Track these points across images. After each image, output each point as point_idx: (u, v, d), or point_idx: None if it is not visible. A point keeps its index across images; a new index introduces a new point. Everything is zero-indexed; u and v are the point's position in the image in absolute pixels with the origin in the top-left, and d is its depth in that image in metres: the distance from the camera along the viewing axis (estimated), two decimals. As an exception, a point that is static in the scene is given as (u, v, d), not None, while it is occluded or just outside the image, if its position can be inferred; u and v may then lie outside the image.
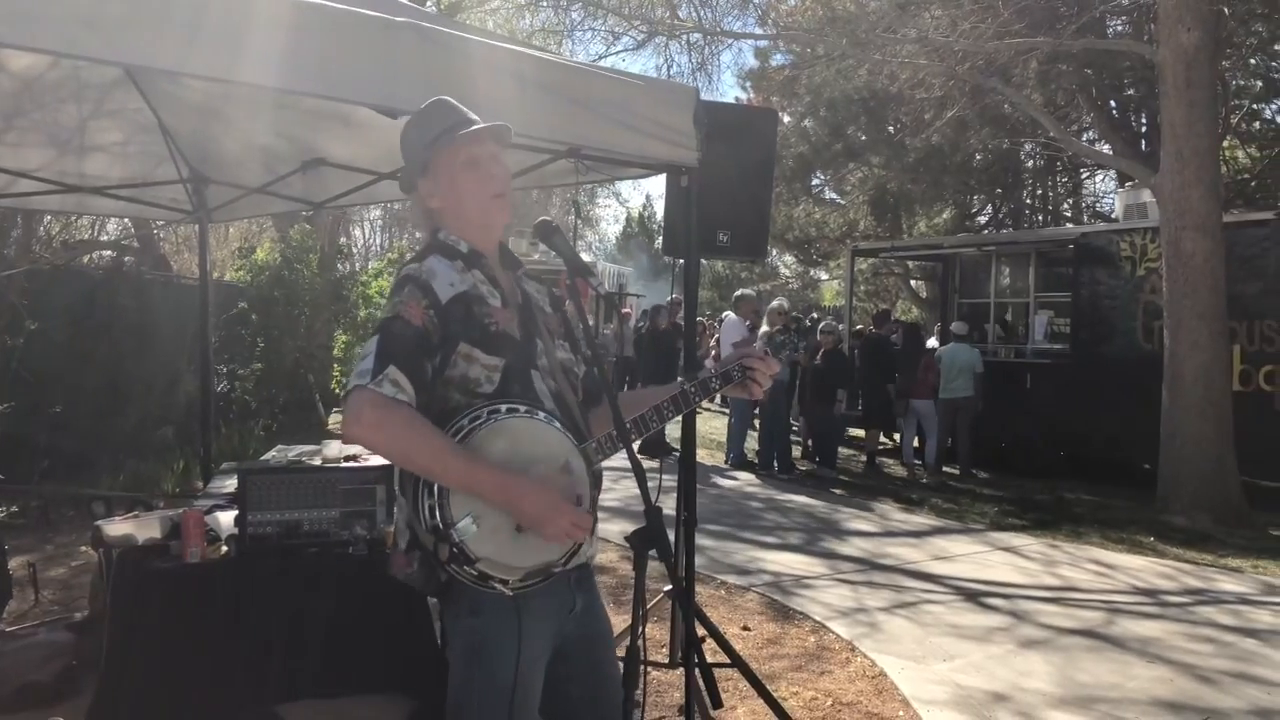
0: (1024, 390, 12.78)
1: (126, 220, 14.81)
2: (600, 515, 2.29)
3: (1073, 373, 12.21)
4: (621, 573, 6.75)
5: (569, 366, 2.40)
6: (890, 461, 13.39)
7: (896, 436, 13.82)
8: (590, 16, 16.85)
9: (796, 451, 13.21)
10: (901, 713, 4.71)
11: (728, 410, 12.74)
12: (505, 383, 2.20)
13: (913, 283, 25.11)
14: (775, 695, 4.24)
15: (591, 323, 2.77)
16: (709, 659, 4.01)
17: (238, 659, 3.59)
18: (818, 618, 6.17)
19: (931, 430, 12.36)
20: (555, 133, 2.31)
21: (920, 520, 9.72)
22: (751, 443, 12.87)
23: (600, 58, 18.20)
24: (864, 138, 20.52)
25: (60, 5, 2.41)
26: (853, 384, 13.04)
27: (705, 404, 2.55)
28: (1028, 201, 24.22)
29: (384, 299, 14.47)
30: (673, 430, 9.88)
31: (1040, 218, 23.70)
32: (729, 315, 12.76)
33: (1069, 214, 24.13)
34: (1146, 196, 11.65)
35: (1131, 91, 17.85)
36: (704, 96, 4.07)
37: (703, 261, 4.87)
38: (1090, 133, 19.33)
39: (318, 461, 4.85)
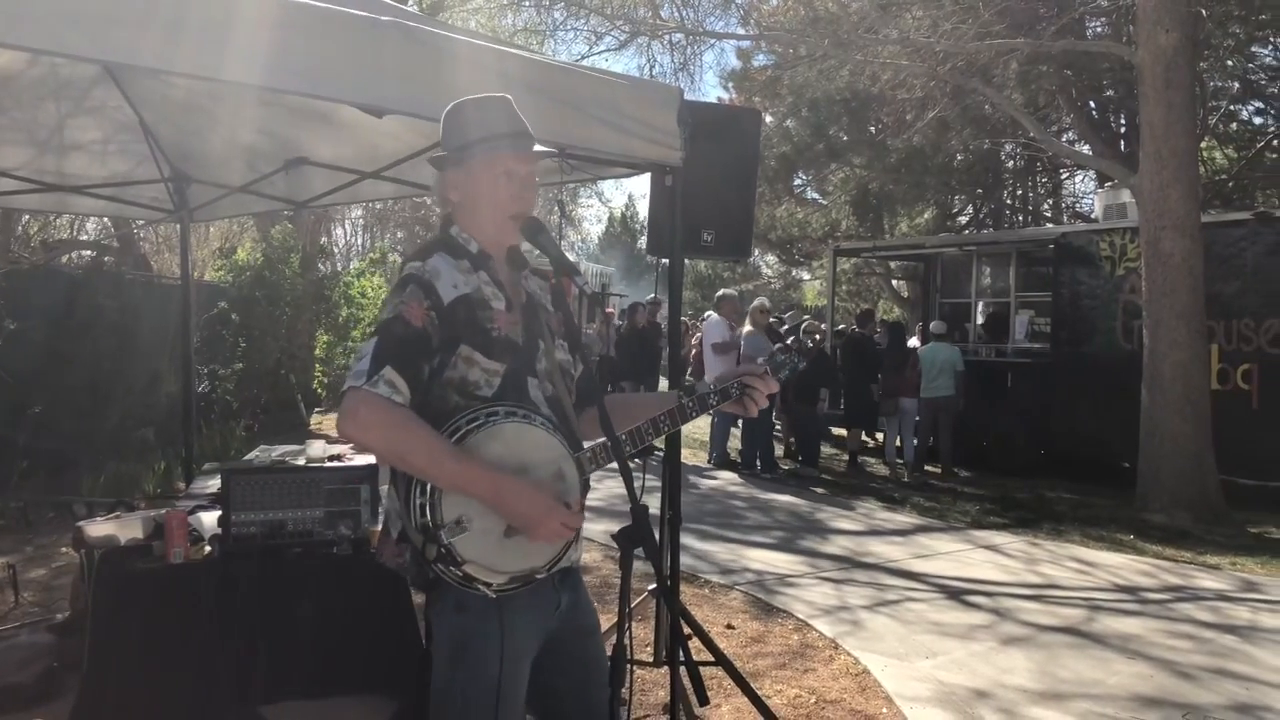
0: (1005, 389, 12.86)
1: (106, 219, 14.73)
2: (584, 515, 2.30)
3: (1053, 372, 12.28)
4: (604, 572, 6.76)
5: (566, 368, 2.41)
6: (873, 460, 13.44)
7: (879, 436, 13.86)
8: (573, 16, 16.82)
9: (779, 451, 13.23)
10: (885, 710, 4.73)
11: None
12: (503, 388, 2.21)
13: (894, 282, 25.20)
14: (759, 693, 4.25)
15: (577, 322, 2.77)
16: (694, 657, 4.02)
17: (221, 660, 3.58)
18: (801, 616, 6.19)
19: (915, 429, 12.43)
20: (540, 132, 2.31)
21: (902, 519, 9.76)
22: (734, 442, 12.89)
23: (583, 58, 18.18)
24: (846, 138, 20.59)
25: (42, 2, 2.39)
26: (835, 383, 13.08)
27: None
28: (1008, 202, 24.34)
29: (366, 299, 14.49)
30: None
31: (1021, 218, 23.83)
32: (711, 315, 12.78)
33: (1049, 214, 24.26)
34: (1126, 197, 11.72)
35: (1111, 92, 17.97)
36: (686, 97, 4.08)
37: (685, 261, 4.86)
38: (1070, 133, 19.44)
39: (301, 461, 4.83)
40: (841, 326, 16.37)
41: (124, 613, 3.59)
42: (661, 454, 4.32)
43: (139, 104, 4.99)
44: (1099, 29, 16.40)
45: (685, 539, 7.19)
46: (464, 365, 2.17)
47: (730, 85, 24.42)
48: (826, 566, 7.60)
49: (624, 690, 2.33)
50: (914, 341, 14.30)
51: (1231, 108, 18.75)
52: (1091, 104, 18.50)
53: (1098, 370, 11.64)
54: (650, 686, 4.71)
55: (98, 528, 3.95)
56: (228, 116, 4.91)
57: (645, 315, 14.47)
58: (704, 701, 3.96)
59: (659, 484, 4.35)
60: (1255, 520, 9.57)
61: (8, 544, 7.12)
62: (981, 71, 13.43)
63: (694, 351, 14.10)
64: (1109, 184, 13.52)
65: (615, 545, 2.20)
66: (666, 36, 16.97)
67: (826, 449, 13.90)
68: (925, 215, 23.01)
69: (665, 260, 4.49)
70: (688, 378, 11.91)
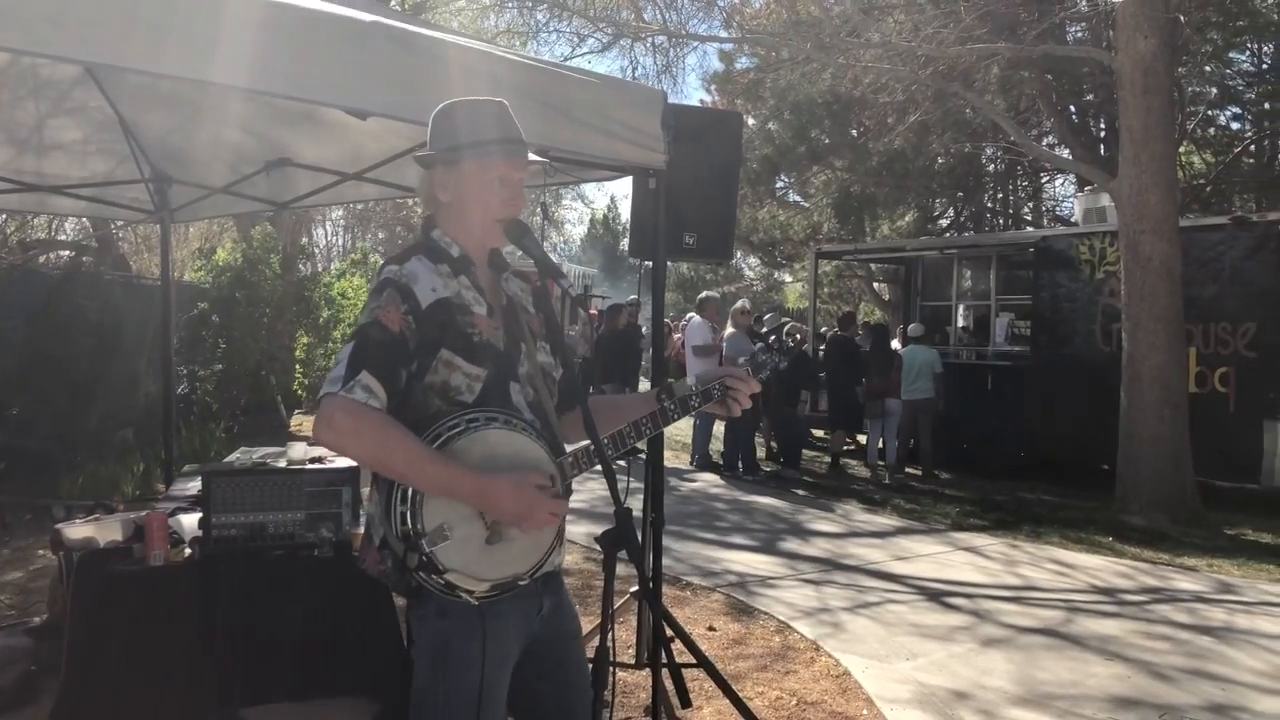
0: (985, 392, 12.92)
1: (85, 220, 14.63)
2: (566, 518, 2.30)
3: (1033, 374, 12.35)
4: (586, 574, 6.76)
5: (549, 370, 2.40)
6: (854, 462, 13.48)
7: (861, 438, 13.91)
8: (556, 18, 16.80)
9: (761, 453, 13.26)
10: (865, 711, 4.75)
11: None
12: (485, 393, 2.20)
13: (876, 285, 25.28)
14: (741, 695, 4.26)
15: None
16: (676, 659, 4.03)
17: (202, 663, 3.56)
18: (782, 618, 6.21)
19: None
20: (525, 134, 2.32)
21: (883, 521, 9.79)
22: (716, 444, 12.91)
23: (566, 59, 18.15)
24: (828, 141, 20.63)
25: (24, 2, 2.38)
26: (817, 385, 13.11)
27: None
28: (989, 205, 24.45)
29: (346, 300, 14.45)
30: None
31: (1001, 221, 23.94)
32: (694, 317, 12.80)
33: (1029, 218, 24.40)
34: (1105, 201, 11.80)
35: (1091, 97, 18.09)
36: (669, 99, 4.09)
37: (668, 263, 4.87)
38: (1050, 137, 19.56)
39: (283, 463, 4.81)
40: (824, 330, 16.42)
41: (103, 616, 3.56)
42: (644, 456, 4.32)
43: (120, 104, 4.97)
44: (1079, 34, 16.51)
45: (667, 541, 7.20)
46: (445, 370, 2.16)
47: (713, 88, 24.46)
48: (808, 568, 7.62)
49: (606, 692, 2.33)
50: (895, 344, 14.36)
51: (1209, 113, 18.88)
52: (1072, 108, 18.61)
53: (1077, 373, 11.71)
54: (632, 688, 4.72)
55: (76, 530, 3.92)
56: (210, 117, 4.89)
57: (626, 316, 14.47)
58: (686, 703, 3.97)
59: (641, 486, 4.35)
60: (1232, 522, 9.65)
61: (-16, 546, 7.07)
62: (963, 75, 13.50)
63: (676, 352, 14.12)
64: (1088, 188, 13.60)
65: (597, 547, 2.20)
66: (649, 39, 16.98)
67: (808, 451, 13.93)
68: (906, 218, 23.09)
69: (648, 262, 4.49)
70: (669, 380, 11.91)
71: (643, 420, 2.41)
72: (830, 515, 9.98)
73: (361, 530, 2.25)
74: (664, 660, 3.93)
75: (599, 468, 2.24)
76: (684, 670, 4.16)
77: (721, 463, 12.46)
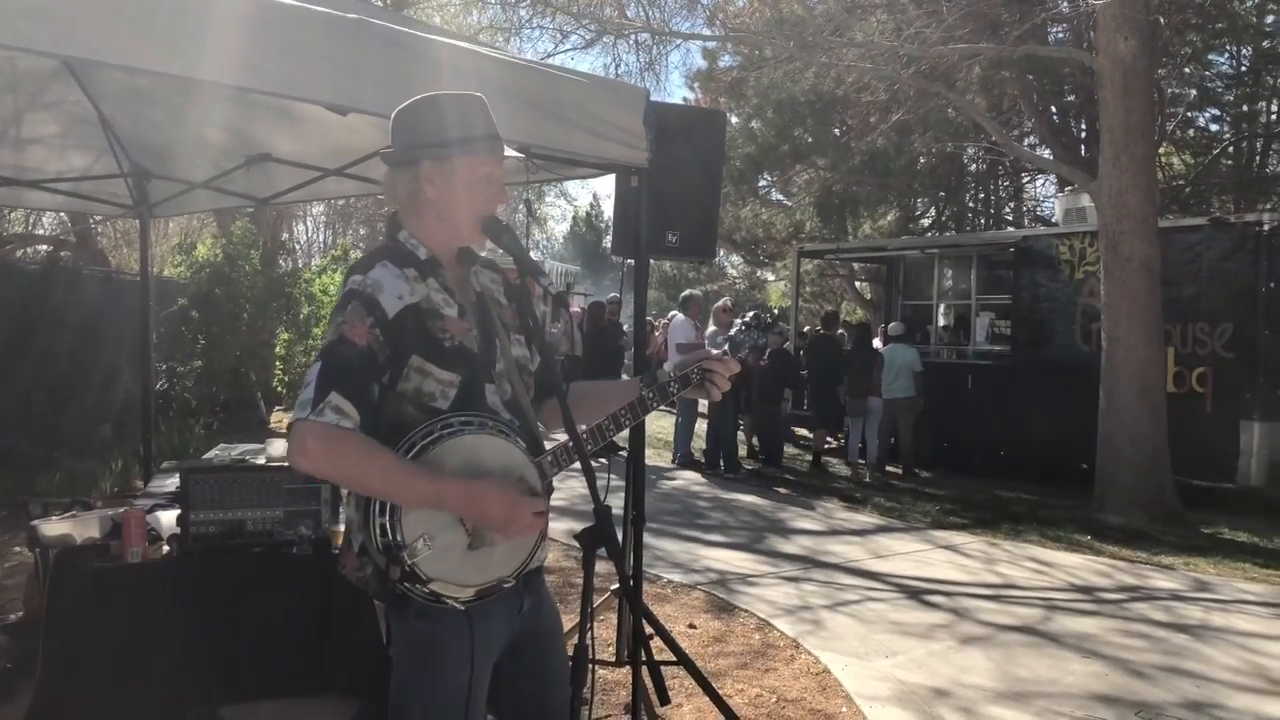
0: (965, 391, 12.97)
1: (63, 215, 14.52)
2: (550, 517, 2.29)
3: (1013, 374, 12.41)
4: (567, 571, 6.76)
5: (524, 364, 2.36)
6: (835, 461, 13.52)
7: (843, 437, 13.96)
8: (538, 14, 16.79)
9: (742, 451, 13.28)
10: (845, 709, 4.77)
11: (674, 409, 12.81)
12: (460, 398, 2.17)
13: (857, 284, 25.36)
14: (721, 693, 4.27)
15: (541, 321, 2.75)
16: (656, 657, 4.03)
17: (180, 660, 3.55)
18: (762, 615, 6.22)
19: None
20: (506, 131, 2.30)
21: (863, 519, 9.83)
22: (699, 442, 12.92)
23: (548, 56, 18.18)
24: (811, 140, 20.67)
25: (4, -2, 2.35)
26: (799, 384, 13.14)
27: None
28: (970, 205, 24.58)
29: (327, 296, 14.37)
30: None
31: (982, 221, 24.06)
32: (677, 315, 12.81)
33: (1010, 218, 24.52)
34: (1085, 201, 11.87)
35: (1072, 98, 18.19)
36: (652, 97, 4.08)
37: (650, 261, 4.87)
38: (1031, 138, 19.66)
39: (262, 460, 4.80)
40: (807, 329, 16.46)
41: (80, 613, 3.54)
42: (624, 453, 4.32)
43: (98, 98, 4.92)
44: (1061, 35, 16.61)
45: (647, 538, 7.17)
46: (417, 376, 2.13)
47: (696, 86, 24.43)
48: (788, 566, 7.64)
49: (585, 690, 2.33)
50: (876, 343, 14.42)
51: (1189, 114, 19.06)
52: (1053, 109, 18.72)
53: (1057, 372, 11.77)
54: (612, 686, 4.72)
55: (53, 526, 3.90)
56: (190, 112, 4.85)
57: (608, 314, 14.46)
58: (665, 701, 3.97)
59: (622, 484, 4.35)
60: (1209, 521, 9.72)
61: (-40, 543, 7.01)
62: (945, 76, 13.55)
63: (659, 350, 14.12)
64: (1069, 188, 13.69)
65: (577, 545, 2.19)
66: (632, 36, 16.99)
67: (789, 449, 13.96)
68: (888, 218, 23.18)
69: (630, 260, 4.49)
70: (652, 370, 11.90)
71: (622, 411, 2.39)
72: (811, 513, 10.00)
73: (341, 528, 2.23)
74: (644, 658, 3.93)
75: (579, 465, 2.22)
76: (665, 668, 4.16)
77: (703, 460, 12.47)
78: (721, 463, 12.21)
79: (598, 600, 4.58)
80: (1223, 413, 10.39)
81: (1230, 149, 19.70)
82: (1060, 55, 13.56)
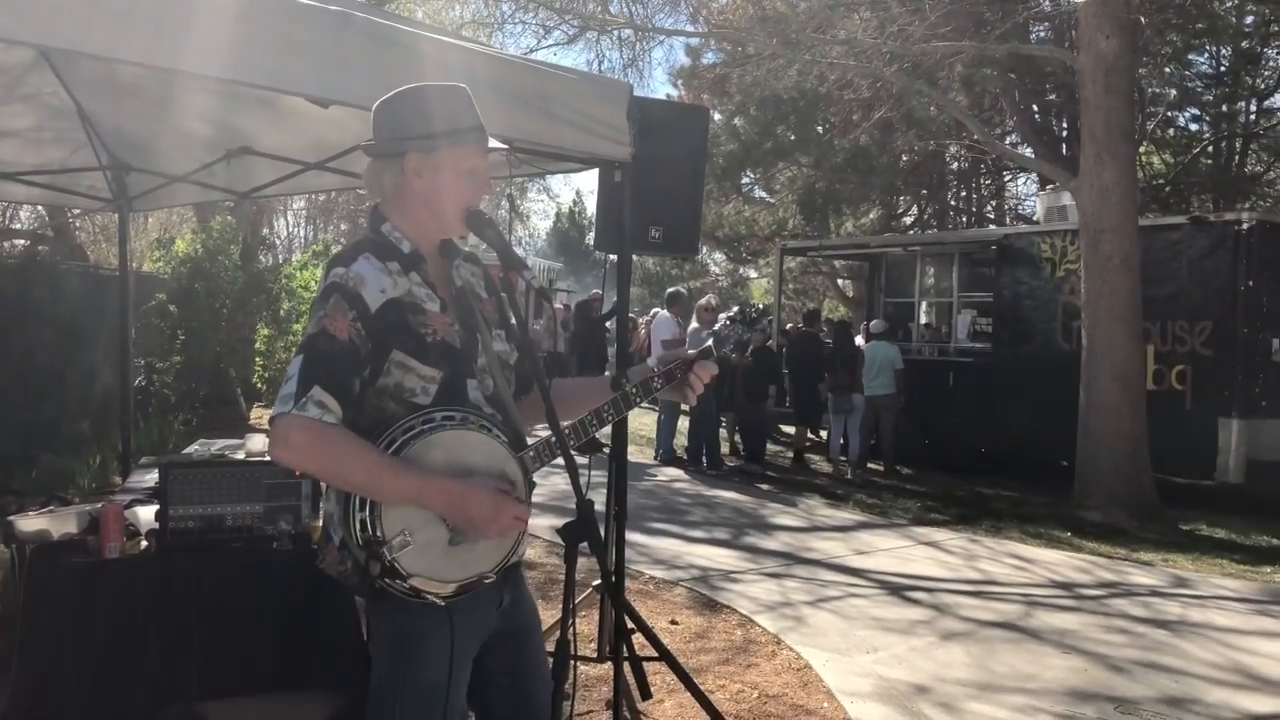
0: (947, 388, 13.02)
1: (40, 208, 14.41)
2: (531, 512, 2.28)
3: (994, 371, 12.45)
4: (549, 567, 6.75)
5: (505, 358, 2.35)
6: (816, 457, 13.55)
7: (824, 433, 13.99)
8: (521, 10, 16.77)
9: (725, 447, 13.29)
10: (826, 705, 4.77)
11: (656, 406, 12.81)
12: (441, 393, 2.15)
13: (840, 281, 25.44)
14: (702, 688, 4.27)
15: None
16: (637, 653, 4.03)
17: (159, 657, 3.52)
18: (744, 611, 6.23)
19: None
20: (490, 125, 2.29)
21: (845, 515, 9.85)
22: (681, 439, 12.93)
23: (531, 51, 18.12)
24: (793, 137, 20.73)
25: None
26: (782, 381, 13.16)
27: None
28: (952, 203, 24.69)
29: (308, 292, 14.31)
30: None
31: (964, 219, 24.16)
32: (661, 312, 12.81)
33: (992, 216, 24.63)
34: (1066, 199, 11.92)
35: (1053, 97, 18.30)
36: (636, 93, 4.08)
37: (634, 257, 4.86)
38: (1013, 136, 19.75)
39: (241, 455, 4.76)
40: (790, 326, 16.49)
41: (57, 609, 3.50)
42: (607, 449, 4.32)
43: (76, 90, 4.87)
44: (1042, 34, 16.68)
45: (630, 534, 7.18)
46: (399, 371, 2.11)
47: (679, 82, 24.44)
48: (770, 563, 7.66)
49: (567, 686, 2.32)
50: (858, 340, 14.46)
51: (1169, 114, 19.18)
52: (1034, 108, 18.81)
53: (1038, 370, 11.82)
54: (594, 682, 4.71)
55: (30, 522, 3.85)
56: (169, 104, 4.80)
57: (597, 307, 14.47)
58: (646, 696, 3.97)
59: (605, 480, 4.35)
60: (1187, 517, 9.79)
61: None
62: (927, 74, 13.60)
63: (641, 347, 14.12)
64: (1050, 187, 13.74)
65: (560, 540, 2.18)
66: (616, 32, 16.98)
67: (771, 445, 13.98)
68: (871, 215, 23.27)
69: (614, 256, 4.48)
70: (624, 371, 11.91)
71: (605, 407, 2.37)
72: (793, 510, 10.02)
73: (319, 523, 2.21)
74: (626, 654, 3.93)
75: (561, 460, 2.21)
76: (647, 664, 4.16)
77: (686, 457, 12.48)
78: (704, 459, 12.22)
79: (580, 596, 4.57)
80: (1202, 410, 10.45)
81: (1210, 148, 19.85)
82: (1042, 54, 13.62)
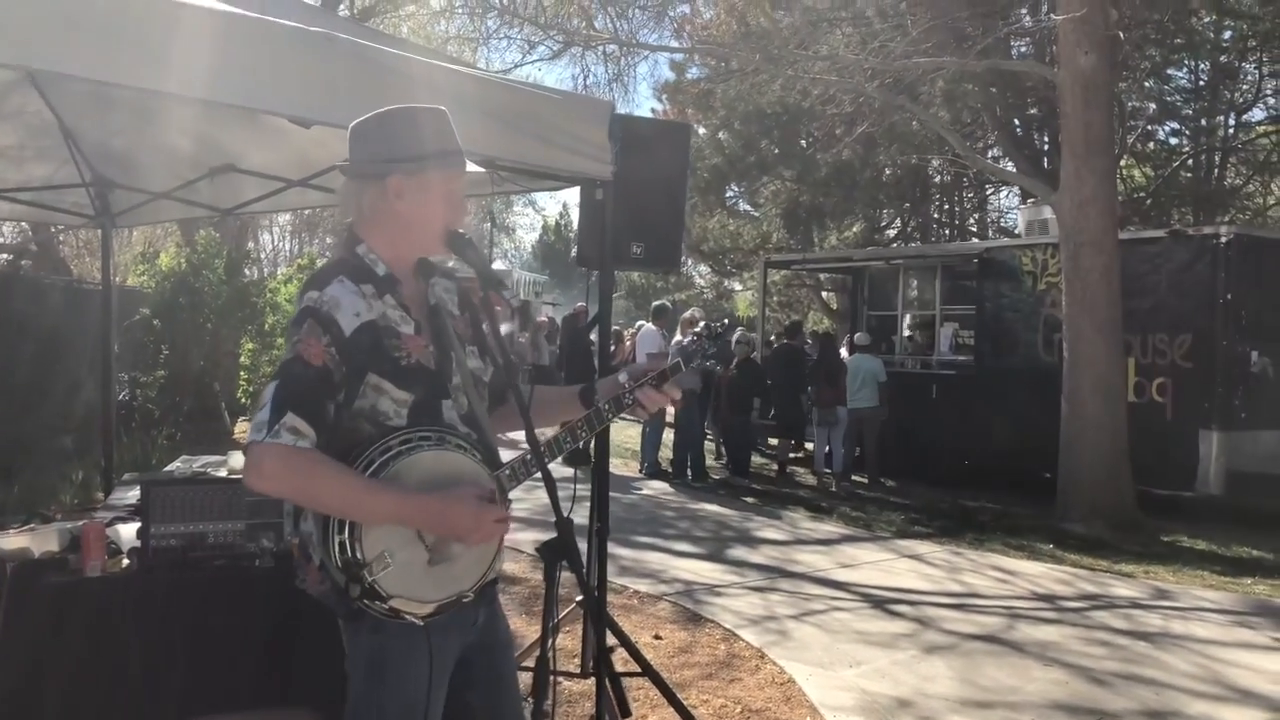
0: (930, 401, 13.06)
1: (23, 224, 14.35)
2: (510, 526, 2.29)
3: (977, 384, 12.51)
4: (533, 583, 6.74)
5: (479, 375, 2.35)
6: (801, 470, 13.58)
7: (808, 445, 14.02)
8: (506, 25, 16.79)
9: (709, 460, 13.30)
10: (809, 719, 4.79)
11: (640, 419, 12.82)
12: (415, 416, 2.16)
13: (824, 294, 25.50)
14: (686, 703, 4.28)
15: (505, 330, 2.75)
16: (620, 668, 4.04)
17: (140, 675, 3.51)
18: (728, 625, 6.24)
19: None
20: (471, 145, 2.30)
21: (829, 528, 9.88)
22: (666, 451, 12.94)
23: (515, 66, 18.22)
24: (777, 151, 20.80)
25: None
26: (767, 393, 13.20)
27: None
28: (935, 216, 24.79)
29: (293, 306, 14.28)
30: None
31: (947, 232, 24.27)
32: (646, 325, 12.85)
33: (974, 229, 24.75)
34: (1047, 213, 11.99)
35: (1034, 111, 18.39)
36: (620, 108, 4.13)
37: (618, 272, 4.89)
38: (995, 150, 19.86)
39: (223, 472, 4.76)
40: (773, 338, 16.55)
41: (37, 628, 3.49)
42: (591, 463, 4.33)
43: (60, 107, 4.87)
44: (1023, 49, 16.80)
45: (613, 548, 7.19)
46: (373, 394, 2.12)
47: (664, 97, 24.53)
48: (754, 576, 7.67)
49: (548, 703, 2.33)
50: (842, 352, 14.51)
51: (1149, 128, 19.32)
52: (1015, 122, 18.92)
53: (1020, 383, 11.88)
54: (576, 698, 4.72)
55: (10, 539, 3.84)
56: (153, 122, 4.81)
57: (584, 318, 14.49)
58: (626, 712, 3.97)
59: (587, 494, 4.36)
60: (1168, 529, 9.83)
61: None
62: (909, 89, 13.68)
63: (627, 358, 14.14)
64: (1031, 200, 13.84)
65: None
66: (600, 47, 17.03)
67: (756, 458, 14.00)
68: (854, 229, 23.34)
69: (596, 271, 4.51)
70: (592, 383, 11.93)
71: (578, 423, 2.37)
72: (777, 523, 10.04)
73: (296, 541, 2.20)
74: (607, 671, 3.94)
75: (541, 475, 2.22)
76: (631, 679, 4.17)
77: (670, 470, 12.50)
78: (689, 472, 12.24)
79: (563, 612, 4.58)
80: (1182, 422, 10.53)
81: (1189, 162, 19.99)
82: (1022, 69, 13.73)
